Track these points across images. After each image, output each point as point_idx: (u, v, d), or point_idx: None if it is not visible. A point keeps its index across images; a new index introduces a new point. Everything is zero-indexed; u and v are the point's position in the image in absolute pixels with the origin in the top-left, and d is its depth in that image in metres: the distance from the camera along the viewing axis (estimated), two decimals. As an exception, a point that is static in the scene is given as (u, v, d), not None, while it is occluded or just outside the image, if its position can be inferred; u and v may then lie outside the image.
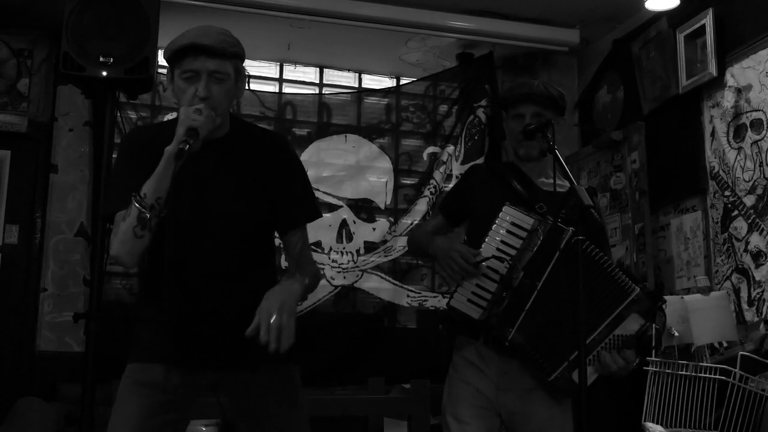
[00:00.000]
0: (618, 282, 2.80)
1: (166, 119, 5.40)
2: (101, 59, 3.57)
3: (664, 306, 2.83)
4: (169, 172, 2.34)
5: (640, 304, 2.78)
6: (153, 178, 2.34)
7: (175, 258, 2.43)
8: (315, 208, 2.74)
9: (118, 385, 2.51)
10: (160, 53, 3.87)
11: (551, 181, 3.02)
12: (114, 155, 3.77)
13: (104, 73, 3.58)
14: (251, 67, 6.20)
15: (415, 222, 5.87)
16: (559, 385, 2.82)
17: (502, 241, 2.84)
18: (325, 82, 6.41)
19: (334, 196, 5.86)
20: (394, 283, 5.85)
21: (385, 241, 5.86)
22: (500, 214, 2.86)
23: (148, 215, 2.32)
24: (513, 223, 2.85)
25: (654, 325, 2.86)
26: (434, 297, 5.90)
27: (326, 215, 5.82)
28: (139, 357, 2.50)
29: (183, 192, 2.43)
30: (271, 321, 2.26)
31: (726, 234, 4.72)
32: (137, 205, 2.32)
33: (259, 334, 2.25)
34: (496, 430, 2.92)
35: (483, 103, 6.14)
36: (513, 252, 2.84)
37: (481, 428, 2.88)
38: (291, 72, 6.35)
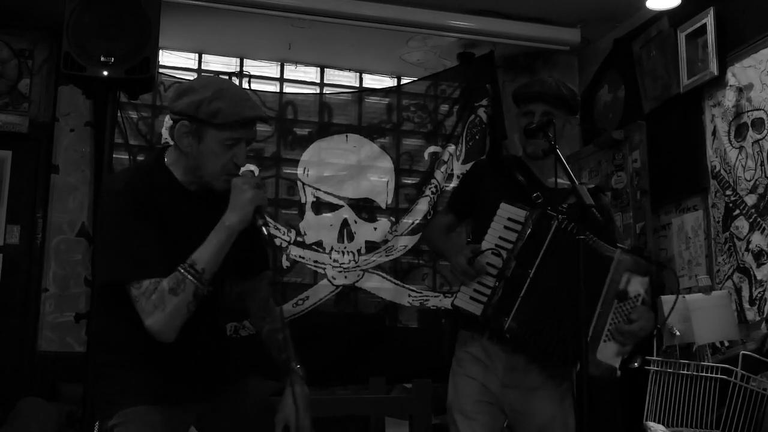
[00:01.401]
0: (598, 251, 2.82)
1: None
2: (102, 59, 3.58)
3: (648, 254, 2.85)
4: (228, 247, 2.33)
5: (626, 264, 2.81)
6: (210, 252, 2.30)
7: None
8: (267, 257, 2.78)
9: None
10: (161, 54, 3.87)
11: (561, 180, 3.03)
12: (115, 155, 3.78)
13: (105, 73, 3.58)
14: (252, 66, 6.21)
15: (416, 222, 5.87)
16: (591, 372, 2.73)
17: (500, 237, 2.87)
18: (326, 81, 6.41)
19: (335, 196, 5.86)
20: (395, 283, 5.85)
21: (386, 241, 5.86)
22: (498, 212, 2.89)
23: (204, 291, 2.30)
24: (509, 219, 2.88)
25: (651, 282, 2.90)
26: (435, 297, 5.90)
27: (327, 215, 5.82)
28: (134, 400, 2.39)
29: (179, 247, 2.35)
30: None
31: (727, 233, 4.71)
32: (194, 280, 2.27)
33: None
34: (501, 425, 2.94)
35: (484, 102, 6.14)
36: (510, 246, 2.86)
37: (487, 423, 2.91)
38: (292, 72, 6.35)
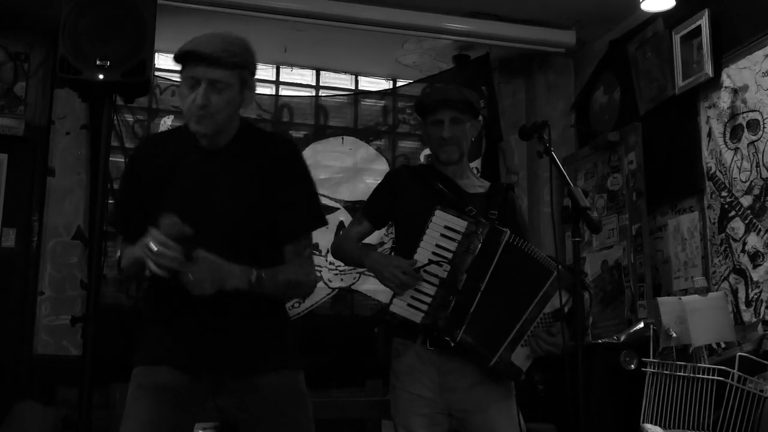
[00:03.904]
0: (540, 262, 2.90)
1: (169, 122, 5.43)
2: (98, 62, 3.57)
3: (587, 279, 2.96)
4: (139, 267, 2.38)
5: (563, 281, 2.86)
6: (130, 256, 2.43)
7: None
8: (316, 217, 2.68)
9: (116, 389, 2.54)
10: (157, 57, 3.87)
11: (471, 182, 3.17)
12: (111, 158, 3.80)
13: (101, 77, 3.57)
14: (248, 69, 6.20)
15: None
16: (500, 370, 2.91)
17: (438, 245, 2.92)
18: (321, 84, 6.41)
19: (331, 198, 5.86)
20: (391, 285, 5.85)
21: (382, 243, 5.85)
22: (433, 219, 2.93)
23: (124, 279, 2.48)
24: (446, 227, 2.93)
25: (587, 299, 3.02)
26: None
27: (323, 217, 5.82)
28: (143, 360, 2.52)
29: (185, 200, 2.44)
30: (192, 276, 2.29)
31: (723, 234, 4.72)
32: (117, 268, 2.50)
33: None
34: (446, 430, 2.99)
35: (480, 104, 6.14)
36: (449, 255, 2.91)
37: None
38: (288, 74, 6.35)
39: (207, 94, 2.39)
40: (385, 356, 3.08)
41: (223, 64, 2.40)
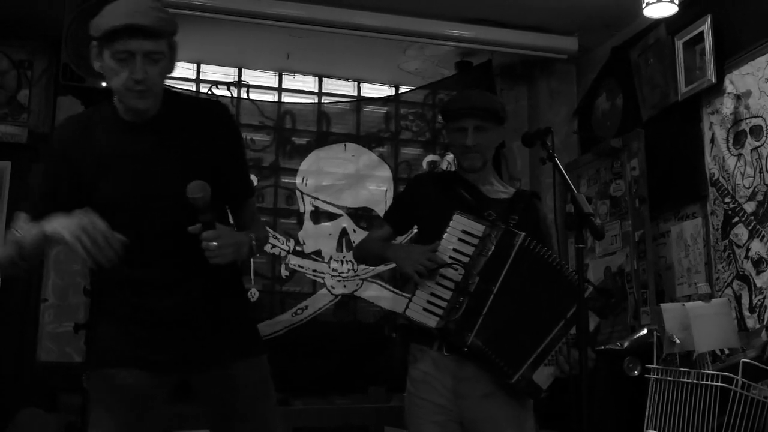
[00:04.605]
0: (572, 281, 2.84)
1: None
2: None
3: (613, 301, 2.94)
4: (44, 245, 2.31)
5: (593, 302, 2.86)
6: (31, 237, 2.30)
7: (125, 252, 2.26)
8: (251, 184, 2.69)
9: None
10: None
11: (495, 188, 3.15)
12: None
13: (104, 84, 3.58)
14: (250, 76, 6.21)
15: (415, 230, 5.87)
16: (520, 387, 2.88)
17: (455, 249, 2.91)
18: (324, 91, 6.42)
19: (333, 205, 5.86)
20: (394, 292, 5.84)
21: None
22: (451, 223, 2.92)
23: (18, 262, 2.35)
24: (464, 231, 2.92)
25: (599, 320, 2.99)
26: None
27: (326, 224, 5.82)
28: (106, 362, 2.42)
29: (121, 179, 2.36)
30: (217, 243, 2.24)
31: (726, 241, 4.71)
32: (12, 243, 2.33)
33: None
34: None
35: (482, 110, 6.13)
36: (466, 259, 2.90)
37: None
38: (290, 81, 6.36)
39: (144, 67, 2.30)
40: (402, 361, 3.09)
41: (159, 35, 2.31)
